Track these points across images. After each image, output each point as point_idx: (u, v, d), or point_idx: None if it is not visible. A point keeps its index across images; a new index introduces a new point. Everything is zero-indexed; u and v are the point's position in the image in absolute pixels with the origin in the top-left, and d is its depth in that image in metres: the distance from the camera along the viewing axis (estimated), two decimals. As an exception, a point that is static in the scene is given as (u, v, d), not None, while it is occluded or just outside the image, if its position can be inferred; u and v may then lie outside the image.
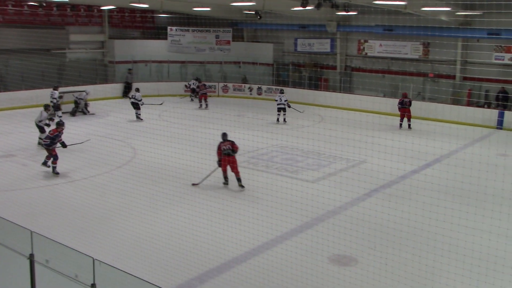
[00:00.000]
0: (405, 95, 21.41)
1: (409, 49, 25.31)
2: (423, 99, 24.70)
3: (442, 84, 24.32)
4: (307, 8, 19.33)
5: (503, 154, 15.98)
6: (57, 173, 13.46)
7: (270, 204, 10.99)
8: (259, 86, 29.32)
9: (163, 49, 29.71)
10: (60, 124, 13.84)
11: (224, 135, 12.81)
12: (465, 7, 20.94)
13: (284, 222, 10.12)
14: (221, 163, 12.57)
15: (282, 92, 22.78)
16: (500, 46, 22.12)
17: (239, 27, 31.50)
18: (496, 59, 22.37)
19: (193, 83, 27.40)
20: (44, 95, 23.06)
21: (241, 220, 10.09)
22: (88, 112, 22.64)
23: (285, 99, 21.73)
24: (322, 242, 9.27)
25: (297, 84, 28.22)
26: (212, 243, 9.31)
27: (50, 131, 14.03)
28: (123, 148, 16.11)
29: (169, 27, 29.76)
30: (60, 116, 21.18)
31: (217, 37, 30.15)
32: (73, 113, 22.36)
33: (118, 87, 27.63)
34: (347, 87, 27.53)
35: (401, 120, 21.29)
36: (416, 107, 23.23)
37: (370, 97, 24.84)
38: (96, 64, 28.98)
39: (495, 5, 17.10)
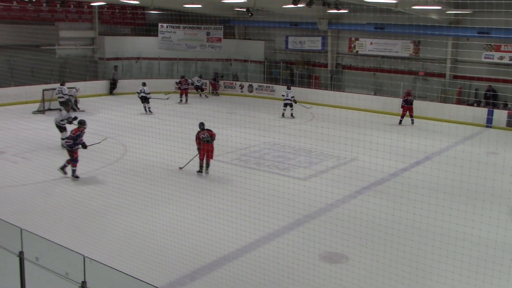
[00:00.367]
0: (408, 93, 21.66)
1: (400, 48, 25.40)
2: (414, 97, 24.77)
3: (433, 82, 24.46)
4: (299, 5, 19.33)
5: (492, 152, 16.09)
6: (77, 177, 12.82)
7: (261, 201, 10.99)
8: (250, 83, 29.29)
9: (154, 46, 29.56)
10: (82, 123, 13.04)
11: (202, 124, 13.67)
12: (456, 6, 21.06)
13: (275, 220, 10.12)
14: (201, 150, 13.35)
15: (289, 88, 23.33)
16: (490, 44, 22.26)
17: (230, 24, 31.44)
18: (485, 57, 22.52)
19: (198, 80, 27.74)
20: (34, 91, 22.95)
21: (232, 217, 10.07)
22: (78, 109, 22.47)
23: (292, 95, 22.47)
24: (313, 240, 9.28)
25: (288, 82, 28.21)
26: (203, 240, 9.29)
27: (72, 130, 13.13)
28: (113, 145, 16.01)
29: (160, 24, 29.64)
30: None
31: (208, 34, 30.06)
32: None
33: (106, 84, 27.46)
34: (338, 85, 27.57)
35: (402, 117, 21.61)
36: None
37: (361, 95, 24.97)
38: (86, 61, 28.78)
39: (485, 4, 17.24)
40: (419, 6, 18.83)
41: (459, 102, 23.52)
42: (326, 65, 28.47)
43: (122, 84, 27.67)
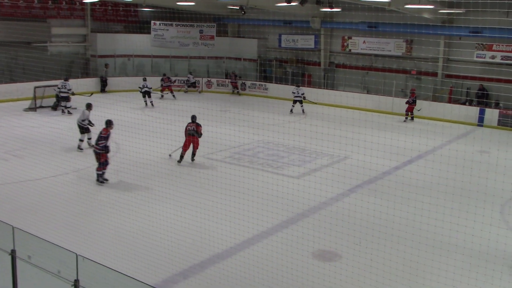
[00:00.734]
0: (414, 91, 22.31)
1: (393, 46, 25.46)
2: (406, 96, 24.88)
3: (425, 81, 24.56)
4: (292, 4, 19.33)
5: (484, 151, 16.18)
6: (106, 180, 12.38)
7: (254, 199, 10.99)
8: (243, 81, 29.26)
9: (147, 44, 29.42)
10: (111, 123, 12.51)
11: (193, 117, 14.24)
12: (448, 5, 21.14)
13: (268, 218, 10.11)
14: (185, 141, 14.05)
15: (298, 86, 23.97)
16: (482, 44, 22.36)
17: (224, 22, 31.37)
18: (477, 57, 22.62)
19: (192, 78, 28.50)
20: (25, 88, 22.77)
21: (225, 215, 10.07)
22: (63, 107, 22.32)
23: (302, 92, 23.37)
24: (306, 238, 9.29)
25: (281, 80, 28.21)
26: (196, 238, 9.27)
27: (101, 131, 12.35)
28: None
29: (152, 21, 29.49)
30: (69, 107, 21.33)
31: (201, 32, 29.97)
32: (54, 107, 22.05)
33: (98, 82, 27.31)
34: (330, 83, 27.60)
35: (407, 114, 22.15)
36: (399, 104, 23.47)
37: (354, 93, 25.00)
38: (78, 58, 28.60)
39: (477, 3, 17.30)
40: (412, 5, 18.88)
41: (451, 101, 23.63)
42: (319, 64, 28.50)
43: (114, 81, 27.53)
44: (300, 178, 13.30)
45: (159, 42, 29.60)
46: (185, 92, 28.49)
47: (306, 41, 28.65)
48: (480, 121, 21.82)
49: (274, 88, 28.04)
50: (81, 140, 15.50)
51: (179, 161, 14.14)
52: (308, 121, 20.66)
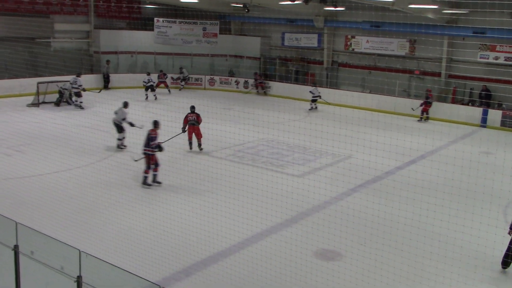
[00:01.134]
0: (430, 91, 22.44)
1: (396, 46, 25.40)
2: (409, 96, 24.88)
3: (428, 82, 24.51)
4: (295, 2, 19.29)
5: (487, 152, 16.16)
6: (159, 182, 12.18)
7: (256, 198, 10.98)
8: (246, 79, 29.24)
9: (150, 41, 29.41)
10: (158, 123, 12.38)
11: (192, 107, 15.30)
12: (452, 6, 21.09)
13: (270, 216, 10.12)
14: (188, 131, 15.10)
15: (315, 85, 24.70)
16: (485, 44, 22.30)
17: (227, 20, 31.33)
18: (481, 57, 22.56)
19: (185, 72, 28.68)
20: (28, 84, 22.79)
21: (227, 213, 10.06)
22: (73, 102, 22.38)
23: (319, 91, 24.26)
24: (308, 237, 9.30)
25: (284, 78, 28.19)
26: (198, 236, 9.28)
27: (150, 132, 12.13)
28: (108, 140, 15.93)
29: (155, 18, 29.46)
30: (81, 102, 21.52)
31: (204, 29, 29.94)
32: (57, 103, 22.09)
33: (101, 78, 27.32)
34: (333, 82, 27.57)
35: (422, 114, 22.24)
36: (402, 103, 23.46)
37: (356, 92, 24.98)
38: (81, 54, 28.59)
39: (481, 4, 17.26)
40: (416, 5, 18.85)
41: (454, 101, 23.59)
42: (321, 62, 28.46)
43: (117, 78, 27.54)
44: (303, 177, 13.29)
45: (162, 39, 29.58)
46: (180, 90, 28.47)
47: (309, 40, 28.61)
48: (483, 122, 21.78)
49: (276, 86, 28.01)
50: (119, 139, 15.31)
51: (191, 148, 15.36)
52: (311, 120, 20.64)
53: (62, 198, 11.01)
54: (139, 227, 9.50)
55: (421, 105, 22.25)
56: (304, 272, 8.09)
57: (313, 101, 24.14)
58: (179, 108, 16.42)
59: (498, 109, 21.93)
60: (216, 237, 9.17)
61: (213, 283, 7.83)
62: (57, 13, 27.25)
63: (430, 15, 21.31)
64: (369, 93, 25.50)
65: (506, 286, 8.00)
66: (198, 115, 15.19)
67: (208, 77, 29.80)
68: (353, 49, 27.17)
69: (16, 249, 6.01)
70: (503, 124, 21.41)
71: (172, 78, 28.63)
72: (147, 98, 24.68)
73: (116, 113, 15.23)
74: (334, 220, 10.08)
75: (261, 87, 28.52)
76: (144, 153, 12.10)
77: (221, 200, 10.91)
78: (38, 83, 21.79)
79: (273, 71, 29.74)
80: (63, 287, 5.70)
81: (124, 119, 15.11)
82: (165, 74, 27.40)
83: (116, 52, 29.02)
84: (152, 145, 11.95)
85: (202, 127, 15.23)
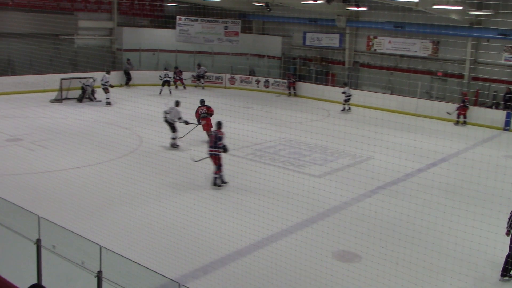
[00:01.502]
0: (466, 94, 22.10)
1: (419, 47, 25.14)
2: (431, 97, 24.60)
3: (451, 83, 24.20)
4: (318, 2, 19.21)
5: (510, 156, 15.91)
6: (226, 182, 12.23)
7: (275, 197, 10.99)
8: (266, 78, 29.24)
9: (171, 39, 29.61)
10: (221, 124, 12.32)
11: (202, 101, 15.84)
12: (477, 7, 20.78)
13: (289, 216, 10.12)
14: (201, 122, 15.57)
15: (347, 85, 24.24)
16: (510, 47, 21.96)
17: (248, 18, 31.38)
18: (505, 60, 22.21)
19: (202, 70, 28.55)
20: (52, 80, 23.13)
21: (245, 212, 10.09)
22: (95, 99, 22.65)
23: (351, 91, 23.91)
24: (326, 237, 9.25)
25: (305, 78, 28.10)
26: (216, 234, 9.31)
27: (217, 133, 12.10)
28: (129, 136, 16.10)
29: (178, 16, 29.64)
30: (108, 98, 21.86)
31: (225, 28, 30.02)
32: (80, 100, 22.37)
33: (123, 75, 27.58)
34: (354, 83, 27.41)
35: (459, 117, 21.82)
36: (424, 105, 23.21)
37: (378, 93, 24.80)
38: (104, 51, 28.91)
39: (507, 5, 16.98)
40: (440, 5, 18.62)
41: (477, 104, 23.25)
42: (343, 63, 28.32)
43: (138, 75, 27.79)
44: (322, 177, 13.25)
45: (183, 37, 29.74)
46: (203, 88, 28.43)
47: (330, 40, 28.50)
48: (507, 125, 21.44)
49: (297, 86, 27.94)
50: (173, 138, 15.35)
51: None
52: (331, 120, 20.56)
53: (83, 193, 11.16)
54: (157, 224, 9.57)
55: (457, 109, 21.81)
56: (322, 272, 8.06)
57: (346, 101, 23.79)
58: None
59: (522, 113, 21.57)
60: (234, 235, 9.19)
61: (231, 281, 7.85)
62: (81, 10, 27.64)
63: (454, 16, 21.03)
64: (391, 94, 25.29)
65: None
66: (208, 107, 15.54)
67: (228, 76, 29.87)
68: (375, 50, 26.98)
69: (38, 243, 6.10)
70: (528, 127, 21.05)
71: (192, 76, 28.73)
72: (160, 93, 25.36)
73: (168, 112, 15.30)
74: (353, 222, 10.03)
75: (293, 88, 27.89)
76: (211, 154, 12.07)
77: (240, 199, 10.93)
78: (62, 79, 22.10)
79: (294, 70, 29.68)
80: (83, 281, 5.79)
81: (179, 118, 15.24)
82: (181, 71, 27.66)
83: (138, 50, 29.28)
84: (219, 145, 11.98)
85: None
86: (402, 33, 24.90)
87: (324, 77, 28.43)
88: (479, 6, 20.57)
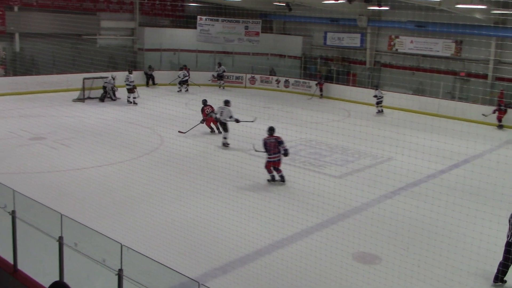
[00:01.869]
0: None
1: (441, 47, 24.81)
2: (453, 98, 24.27)
3: (474, 84, 23.83)
4: (339, 1, 19.10)
5: (534, 158, 15.61)
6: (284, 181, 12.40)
7: (295, 197, 10.95)
8: (287, 79, 29.19)
9: (192, 38, 29.75)
10: (274, 129, 12.58)
11: (205, 101, 17.23)
12: (502, 6, 20.41)
13: (309, 216, 10.07)
14: (206, 120, 16.85)
15: (378, 87, 23.99)
16: (536, 46, 21.58)
17: (269, 18, 31.36)
18: (531, 59, 21.82)
19: (222, 69, 28.46)
20: (74, 80, 23.43)
21: (265, 212, 10.07)
22: (116, 97, 22.87)
23: (382, 93, 23.40)
24: (346, 238, 9.19)
25: (325, 78, 27.98)
26: (236, 233, 9.31)
27: (275, 139, 12.35)
28: (150, 135, 16.22)
29: (198, 17, 29.78)
30: (135, 98, 22.14)
31: (246, 28, 30.05)
32: (102, 99, 22.62)
33: (143, 76, 27.80)
34: (375, 83, 27.20)
35: (500, 121, 21.30)
36: (446, 106, 22.90)
37: (399, 93, 24.55)
38: (125, 51, 29.20)
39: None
40: (464, 5, 18.36)
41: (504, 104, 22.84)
42: (364, 63, 28.11)
43: (159, 75, 27.99)
44: (342, 178, 13.17)
45: (204, 37, 29.86)
46: (223, 88, 28.38)
47: (351, 40, 28.32)
48: (531, 126, 21.05)
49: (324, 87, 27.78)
50: (225, 138, 15.54)
51: (212, 131, 17.22)
52: (352, 121, 20.43)
53: (104, 191, 11.27)
54: (177, 223, 9.61)
55: (493, 112, 21.06)
56: (342, 274, 8.01)
57: (378, 103, 23.30)
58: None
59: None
60: (253, 235, 9.18)
61: (250, 281, 7.84)
62: (103, 10, 27.97)
63: (477, 15, 20.71)
64: (412, 94, 25.02)
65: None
66: (212, 107, 16.92)
67: (249, 76, 29.89)
68: (396, 50, 26.72)
69: (60, 240, 6.16)
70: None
71: (213, 75, 28.81)
72: (180, 91, 26.21)
73: (220, 112, 15.57)
74: (373, 223, 9.94)
75: (320, 89, 27.28)
76: (274, 161, 12.27)
77: (259, 199, 10.92)
78: (84, 78, 22.37)
79: (314, 70, 29.57)
80: (104, 279, 5.83)
81: (231, 117, 15.36)
82: (188, 69, 27.70)
83: (159, 50, 29.50)
84: (284, 148, 12.21)
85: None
86: (425, 33, 24.61)
87: (345, 77, 28.27)
88: (504, 5, 20.19)
